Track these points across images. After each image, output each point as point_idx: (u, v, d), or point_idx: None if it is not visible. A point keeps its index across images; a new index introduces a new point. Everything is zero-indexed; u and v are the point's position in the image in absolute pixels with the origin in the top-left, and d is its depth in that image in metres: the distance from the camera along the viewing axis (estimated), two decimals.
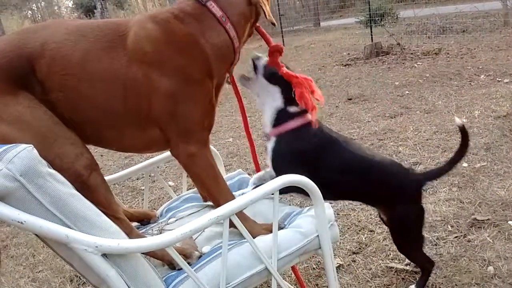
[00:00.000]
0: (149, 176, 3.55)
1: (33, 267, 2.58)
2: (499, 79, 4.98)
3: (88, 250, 0.96)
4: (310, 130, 1.53)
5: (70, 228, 0.97)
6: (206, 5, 1.35)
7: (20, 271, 2.57)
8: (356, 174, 1.56)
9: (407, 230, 1.69)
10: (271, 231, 1.28)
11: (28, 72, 1.20)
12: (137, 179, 3.63)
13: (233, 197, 1.38)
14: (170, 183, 3.45)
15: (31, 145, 0.95)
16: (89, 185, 1.20)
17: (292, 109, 1.54)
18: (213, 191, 1.39)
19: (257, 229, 1.35)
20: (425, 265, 1.78)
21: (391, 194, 1.62)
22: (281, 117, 1.54)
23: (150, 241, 1.04)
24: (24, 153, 0.93)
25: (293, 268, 1.84)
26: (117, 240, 1.01)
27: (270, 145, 1.55)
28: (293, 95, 1.50)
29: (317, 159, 1.52)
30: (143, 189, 3.44)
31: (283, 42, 12.71)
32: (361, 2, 14.69)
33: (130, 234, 1.22)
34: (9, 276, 2.54)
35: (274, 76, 1.54)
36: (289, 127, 1.53)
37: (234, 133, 4.58)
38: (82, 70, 1.22)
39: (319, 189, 1.32)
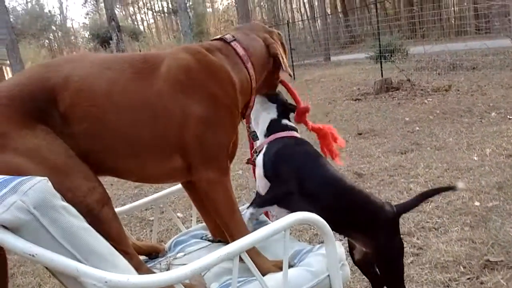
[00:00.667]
0: (160, 207, 3.56)
1: None
2: (510, 117, 4.98)
3: (98, 285, 0.96)
4: (297, 140, 1.64)
5: (81, 262, 0.97)
6: (231, 44, 1.45)
7: None
8: (335, 193, 1.55)
9: (396, 261, 1.64)
10: (281, 268, 1.26)
11: (49, 105, 1.23)
12: (146, 209, 3.63)
13: (247, 230, 1.38)
14: (179, 214, 3.44)
15: (46, 177, 0.97)
16: (101, 219, 1.20)
17: (286, 122, 1.68)
18: (228, 221, 1.39)
19: (267, 266, 1.34)
20: None
21: (374, 222, 1.59)
22: (274, 126, 1.66)
23: (159, 277, 1.03)
24: (39, 185, 0.94)
25: None
26: (127, 276, 1.00)
27: (261, 154, 1.60)
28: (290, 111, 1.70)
29: (303, 166, 1.56)
30: (152, 220, 3.44)
31: (294, 75, 12.83)
32: (371, 38, 14.91)
33: (139, 269, 1.21)
34: None
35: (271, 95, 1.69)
36: (283, 135, 1.64)
37: (244, 165, 4.58)
38: (108, 100, 1.25)
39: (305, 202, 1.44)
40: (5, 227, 0.92)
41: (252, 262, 1.18)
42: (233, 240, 1.29)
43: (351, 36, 20.01)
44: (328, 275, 1.32)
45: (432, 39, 12.50)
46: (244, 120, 1.64)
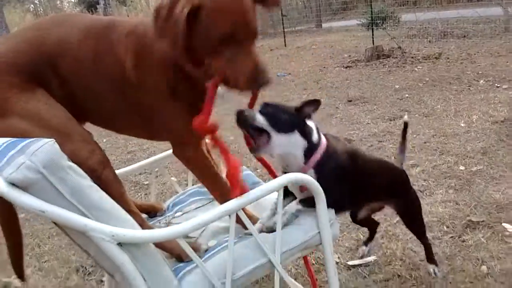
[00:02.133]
0: (152, 171, 3.62)
1: (39, 257, 2.64)
2: (498, 85, 5.05)
3: (105, 239, 1.02)
4: (335, 149, 1.52)
5: (89, 218, 1.03)
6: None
7: (26, 260, 2.62)
8: (379, 174, 1.75)
9: (420, 212, 1.97)
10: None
11: (46, 69, 1.27)
12: (140, 174, 3.69)
13: (229, 193, 1.34)
14: (173, 178, 3.50)
15: (53, 139, 1.01)
16: (103, 180, 1.26)
17: (314, 138, 1.48)
18: (211, 189, 1.47)
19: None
20: (429, 242, 2.01)
21: (402, 185, 1.90)
22: (310, 149, 1.46)
23: (163, 231, 1.11)
24: (46, 146, 0.99)
25: (304, 259, 1.90)
26: (132, 230, 1.07)
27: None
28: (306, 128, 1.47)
29: (353, 169, 1.56)
30: (146, 184, 3.52)
31: (285, 42, 12.78)
32: (363, 5, 14.77)
33: (142, 225, 1.28)
34: None
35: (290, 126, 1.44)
36: (318, 155, 1.47)
37: (235, 131, 4.63)
38: (94, 66, 1.30)
39: (353, 199, 1.61)
40: (15, 186, 0.97)
41: (248, 219, 1.25)
42: (221, 200, 1.40)
43: (343, 2, 19.75)
44: (319, 232, 1.40)
45: (424, 6, 12.42)
46: None
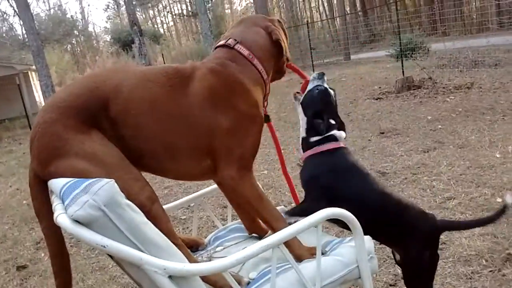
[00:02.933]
0: (189, 206, 3.72)
1: None
2: None
3: (158, 272, 1.11)
4: (331, 155, 1.66)
5: (143, 252, 1.12)
6: (235, 48, 1.60)
7: None
8: (373, 207, 1.61)
9: (418, 275, 1.66)
10: (313, 254, 1.40)
11: (100, 112, 1.38)
12: (177, 209, 3.79)
13: (280, 215, 1.53)
14: (207, 213, 3.59)
15: (113, 179, 1.12)
16: (152, 214, 1.35)
17: (313, 139, 1.68)
18: (262, 211, 1.53)
19: (302, 250, 1.49)
20: None
21: (407, 234, 1.62)
22: (306, 144, 1.71)
23: (210, 265, 1.18)
24: (107, 186, 1.09)
25: None
26: (182, 264, 1.15)
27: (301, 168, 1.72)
28: (316, 126, 1.68)
29: (335, 185, 1.62)
30: (183, 218, 3.62)
31: None
32: (391, 36, 14.88)
33: (189, 258, 1.35)
34: None
35: (307, 106, 1.72)
36: (311, 153, 1.69)
37: (269, 165, 4.72)
38: (151, 109, 1.41)
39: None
40: (79, 223, 1.07)
41: (289, 253, 1.31)
42: (270, 225, 1.50)
43: (371, 34, 19.97)
44: (357, 266, 1.44)
45: (454, 35, 12.41)
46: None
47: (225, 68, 1.53)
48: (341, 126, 1.73)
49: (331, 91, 1.75)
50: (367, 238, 1.47)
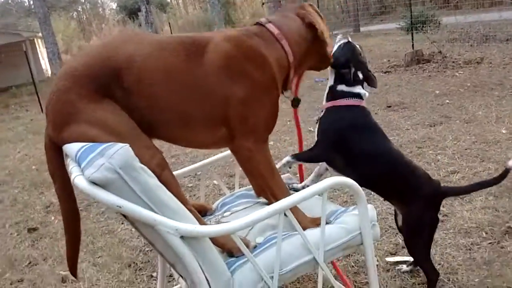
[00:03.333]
0: (195, 174, 3.79)
1: (93, 253, 2.84)
2: None
3: (170, 232, 1.16)
4: (352, 111, 1.78)
5: (156, 213, 1.17)
6: (265, 26, 1.62)
7: (81, 256, 2.82)
8: (385, 163, 1.76)
9: (418, 233, 1.80)
10: (318, 225, 1.45)
11: (113, 82, 1.41)
12: (184, 177, 3.86)
13: (287, 190, 1.60)
14: (215, 181, 3.66)
15: (127, 144, 1.16)
16: (162, 180, 1.39)
17: (340, 87, 1.79)
18: (271, 183, 1.59)
19: (307, 221, 1.54)
20: (429, 273, 1.85)
21: (411, 193, 1.77)
22: (332, 93, 1.82)
23: (220, 227, 1.24)
24: (122, 150, 1.14)
25: (333, 263, 2.00)
26: (193, 225, 1.21)
27: (320, 116, 1.83)
28: (343, 75, 1.79)
29: (351, 139, 1.75)
30: (190, 186, 3.69)
31: None
32: (402, 8, 14.61)
33: (199, 222, 1.41)
34: None
35: (335, 60, 1.79)
36: (333, 104, 1.80)
37: (275, 136, 4.76)
38: (166, 78, 1.44)
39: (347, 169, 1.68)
40: (95, 184, 1.12)
41: (295, 219, 1.36)
42: (276, 198, 1.51)
43: (382, 6, 19.58)
44: (360, 233, 1.50)
45: (466, 9, 12.17)
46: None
47: (247, 38, 1.56)
48: (369, 81, 1.83)
49: (357, 45, 1.85)
50: (370, 206, 1.52)
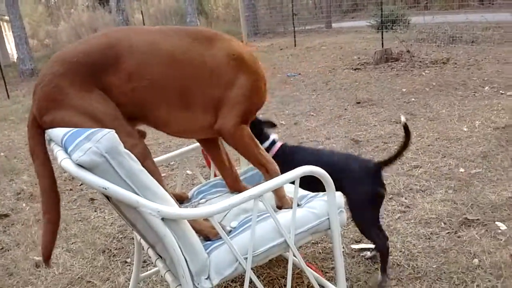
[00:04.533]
0: (168, 164, 3.84)
1: (67, 239, 2.87)
2: (503, 92, 5.22)
3: (152, 213, 1.24)
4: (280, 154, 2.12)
5: (139, 196, 1.24)
6: None
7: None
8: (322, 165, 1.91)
9: (361, 208, 2.00)
10: (290, 204, 1.57)
11: (109, 70, 1.45)
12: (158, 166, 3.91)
13: (273, 160, 1.74)
14: (188, 171, 3.73)
15: (113, 130, 1.22)
16: (144, 168, 1.46)
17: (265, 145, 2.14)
18: (258, 155, 1.71)
19: (286, 198, 1.71)
20: (378, 241, 2.00)
21: (348, 181, 1.96)
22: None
23: (199, 210, 1.32)
24: (109, 135, 1.20)
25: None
26: (174, 208, 1.29)
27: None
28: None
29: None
30: (163, 176, 3.73)
31: (295, 42, 12.95)
32: (373, 6, 14.90)
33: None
34: None
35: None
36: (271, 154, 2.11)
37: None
38: (172, 59, 1.51)
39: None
40: (82, 167, 1.18)
41: (269, 204, 1.46)
42: (265, 167, 1.71)
43: (354, 3, 19.91)
44: (328, 218, 1.61)
45: (434, 10, 12.53)
46: None
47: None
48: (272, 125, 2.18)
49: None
50: (338, 193, 1.64)
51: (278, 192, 1.73)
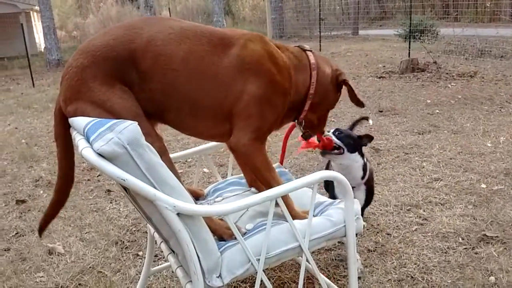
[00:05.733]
0: (186, 161, 3.86)
1: (81, 229, 2.90)
2: None
3: (168, 208, 1.24)
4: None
5: (157, 189, 1.24)
6: (306, 52, 1.74)
7: (69, 230, 2.89)
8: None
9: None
10: (306, 215, 1.53)
11: (131, 65, 1.46)
12: (175, 163, 3.92)
13: (283, 182, 1.63)
14: (205, 169, 3.73)
15: (136, 122, 1.23)
16: None
17: (365, 160, 2.23)
18: (269, 179, 1.62)
19: (296, 211, 1.62)
20: None
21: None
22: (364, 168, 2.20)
23: (215, 208, 1.31)
24: (131, 127, 1.20)
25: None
26: (190, 204, 1.28)
27: (362, 192, 2.24)
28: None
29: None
30: (180, 173, 3.75)
31: (320, 46, 12.89)
32: (402, 15, 14.75)
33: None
34: (59, 233, 2.86)
35: (353, 145, 2.13)
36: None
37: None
38: (184, 66, 1.49)
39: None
40: (103, 157, 1.19)
41: (285, 206, 1.44)
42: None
43: (382, 11, 19.72)
44: (344, 226, 1.58)
45: (464, 22, 12.33)
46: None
47: (279, 49, 1.67)
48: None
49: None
50: (355, 200, 1.61)
51: (288, 205, 1.59)
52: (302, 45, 1.78)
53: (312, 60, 1.72)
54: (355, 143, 2.13)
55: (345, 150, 2.09)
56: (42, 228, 1.73)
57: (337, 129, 2.16)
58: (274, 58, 1.60)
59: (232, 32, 1.62)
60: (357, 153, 2.13)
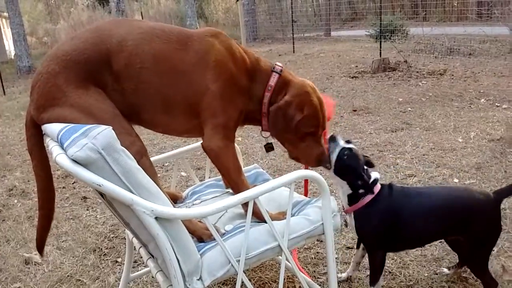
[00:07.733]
0: (163, 165, 3.83)
1: (58, 237, 2.85)
2: (498, 104, 5.25)
3: (146, 212, 1.23)
4: (379, 200, 1.78)
5: (134, 194, 1.23)
6: (272, 72, 1.70)
7: None
8: (439, 213, 1.77)
9: (482, 247, 1.79)
10: (283, 217, 1.55)
11: (103, 67, 1.46)
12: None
13: (249, 186, 1.64)
14: (183, 173, 3.72)
15: (110, 126, 1.22)
16: (140, 166, 1.46)
17: (360, 191, 1.78)
18: (236, 180, 1.64)
19: (273, 216, 1.62)
20: (493, 284, 1.83)
21: (472, 216, 1.75)
22: (353, 198, 1.80)
23: (193, 211, 1.31)
24: (106, 132, 1.19)
25: (293, 251, 2.10)
26: (168, 208, 1.28)
27: (351, 220, 1.83)
28: (359, 183, 1.77)
29: (397, 218, 1.77)
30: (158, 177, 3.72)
31: (293, 48, 12.98)
32: (373, 16, 14.97)
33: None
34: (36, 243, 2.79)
35: (343, 172, 1.76)
36: (361, 204, 1.79)
37: (243, 133, 4.85)
38: (155, 65, 1.50)
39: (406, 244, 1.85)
40: (78, 163, 1.18)
41: (263, 207, 1.45)
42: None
43: (353, 12, 20.00)
44: (322, 223, 1.60)
45: (433, 21, 12.61)
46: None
47: (246, 56, 1.67)
48: (370, 165, 1.85)
49: (354, 148, 1.80)
50: (332, 198, 1.63)
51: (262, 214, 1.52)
52: (277, 64, 1.73)
53: (272, 82, 1.68)
54: (348, 171, 1.76)
55: (332, 168, 1.76)
56: (39, 245, 1.72)
57: (348, 143, 1.80)
58: (233, 53, 1.63)
59: (196, 30, 1.65)
60: (345, 182, 1.78)
